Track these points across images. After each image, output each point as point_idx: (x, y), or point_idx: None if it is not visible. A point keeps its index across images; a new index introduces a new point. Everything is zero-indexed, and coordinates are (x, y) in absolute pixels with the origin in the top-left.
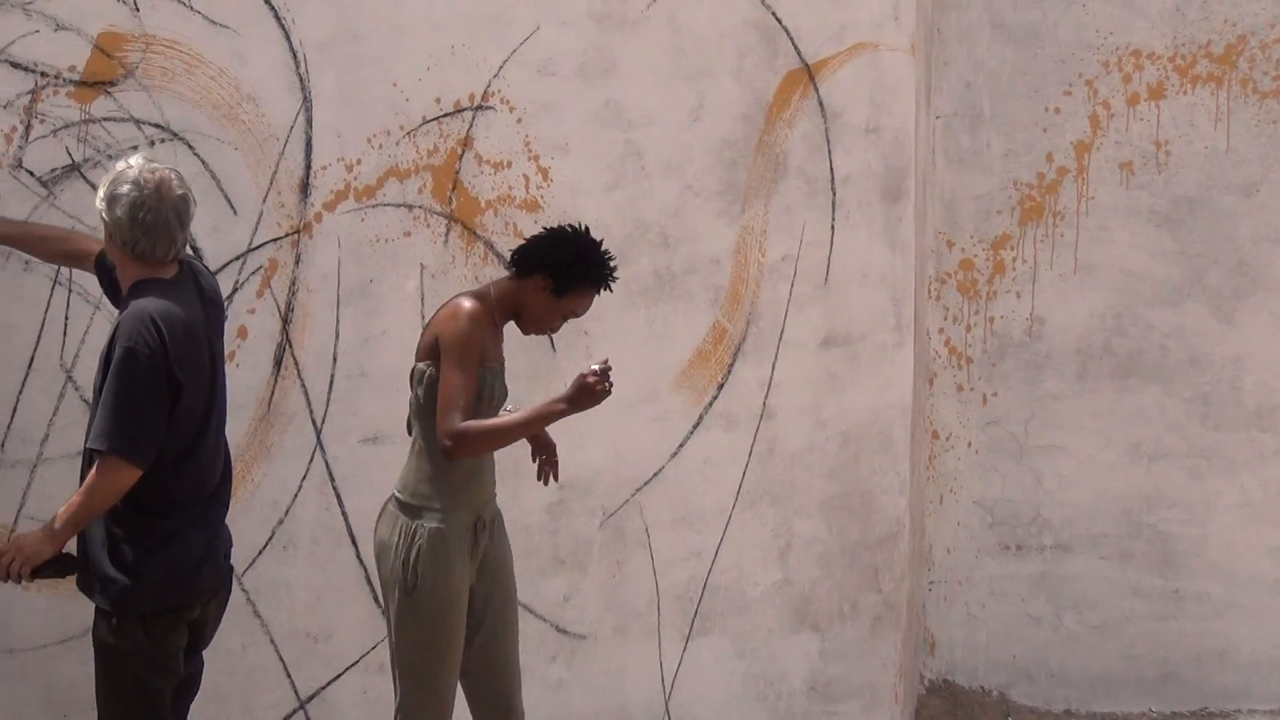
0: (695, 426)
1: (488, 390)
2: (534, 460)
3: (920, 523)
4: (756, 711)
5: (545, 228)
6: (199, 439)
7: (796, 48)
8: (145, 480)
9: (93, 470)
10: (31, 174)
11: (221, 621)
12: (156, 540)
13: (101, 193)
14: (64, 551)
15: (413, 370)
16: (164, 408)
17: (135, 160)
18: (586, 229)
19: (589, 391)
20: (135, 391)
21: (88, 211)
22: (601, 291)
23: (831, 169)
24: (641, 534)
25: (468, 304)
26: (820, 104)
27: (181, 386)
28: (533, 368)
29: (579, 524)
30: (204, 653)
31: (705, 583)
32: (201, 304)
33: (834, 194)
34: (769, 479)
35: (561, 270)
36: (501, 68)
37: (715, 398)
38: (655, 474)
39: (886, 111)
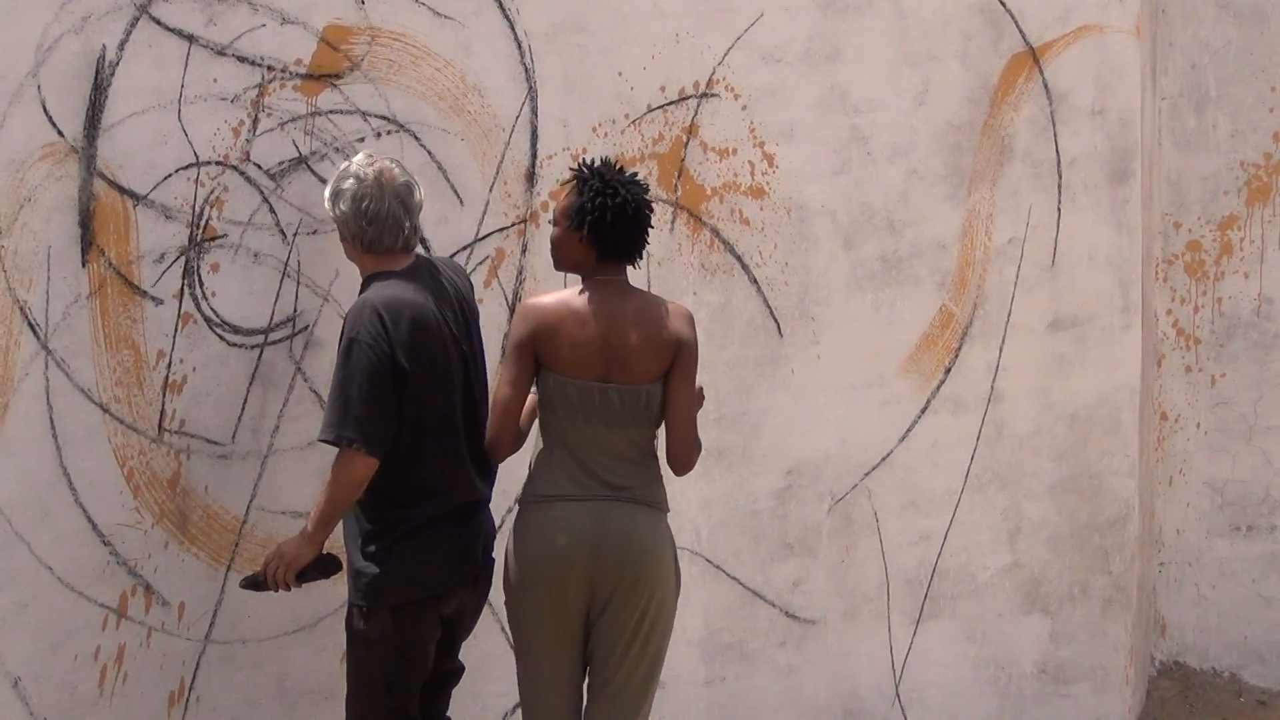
0: (923, 410)
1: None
2: None
3: (1150, 504)
4: (987, 695)
5: None
6: (441, 428)
7: (1021, 31)
8: (387, 471)
9: (332, 468)
10: (259, 167)
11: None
12: (403, 531)
13: (327, 193)
14: (325, 553)
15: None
16: (391, 396)
17: (357, 157)
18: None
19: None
20: (360, 380)
21: (315, 204)
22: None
23: (1057, 151)
24: (870, 518)
25: None
26: (1045, 87)
27: (407, 373)
28: (760, 354)
29: (808, 509)
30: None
31: (934, 567)
32: (441, 297)
33: (1060, 176)
34: (997, 462)
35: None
36: (726, 55)
37: (943, 381)
38: (884, 458)
39: (1112, 93)
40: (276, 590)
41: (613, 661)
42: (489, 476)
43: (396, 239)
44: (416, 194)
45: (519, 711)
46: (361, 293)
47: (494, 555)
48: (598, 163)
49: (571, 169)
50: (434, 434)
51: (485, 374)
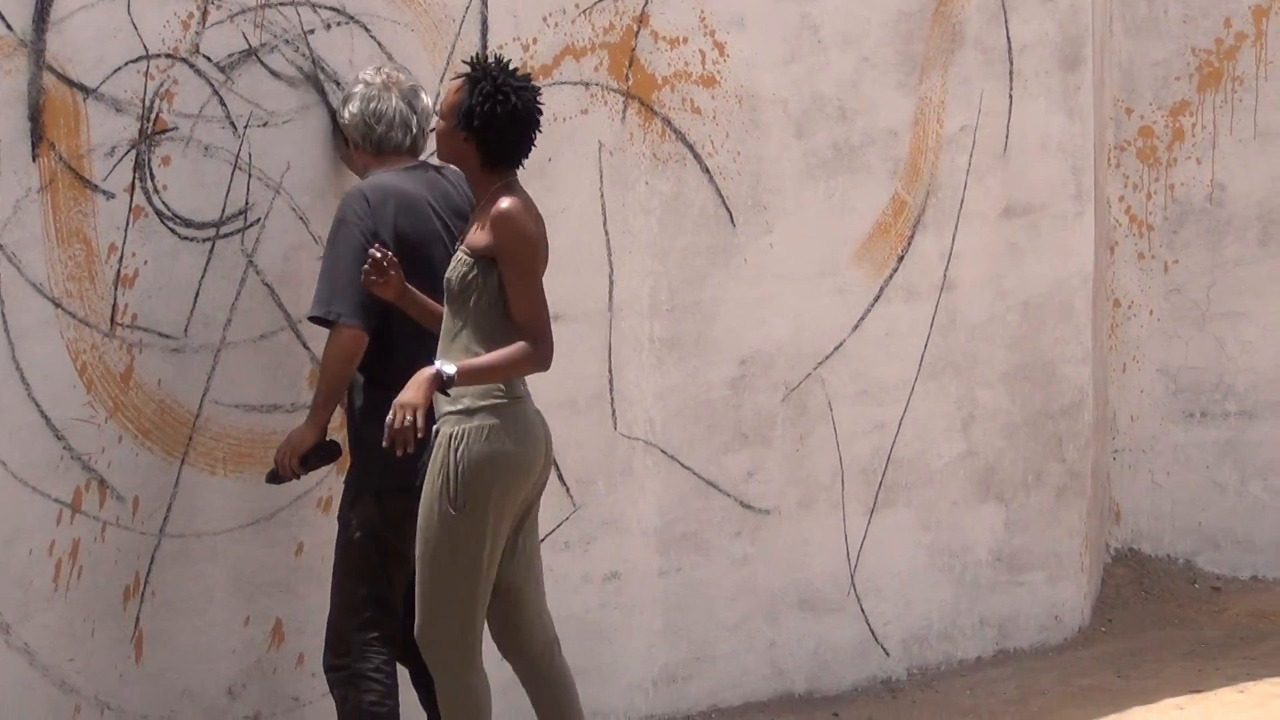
0: (876, 299)
1: None
2: None
3: (1103, 392)
4: (942, 583)
5: None
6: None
7: None
8: (376, 352)
9: (326, 346)
10: (209, 60)
11: None
12: (383, 415)
13: (338, 102)
14: (328, 438)
15: None
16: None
17: (367, 68)
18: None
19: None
20: (345, 257)
21: (265, 96)
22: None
23: (1008, 38)
24: (824, 408)
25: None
26: None
27: (391, 249)
28: (712, 243)
29: (761, 399)
30: None
31: (889, 456)
32: (440, 194)
33: (1011, 63)
34: (951, 350)
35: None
36: None
37: (895, 270)
38: (837, 347)
39: None
40: (284, 480)
41: (533, 543)
42: None
43: (404, 138)
44: (423, 97)
45: None
46: None
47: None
48: (491, 61)
49: (465, 62)
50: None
51: None
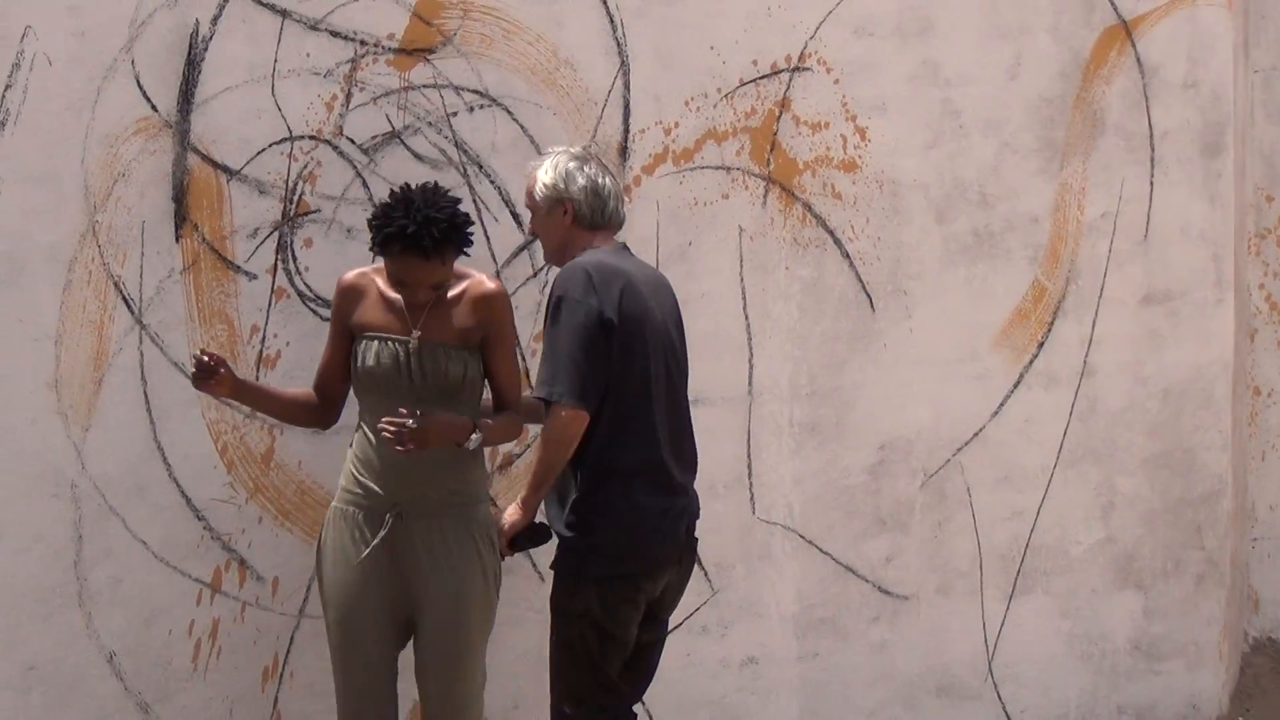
0: (1016, 385)
1: (361, 355)
2: None
3: (1243, 479)
4: (1080, 670)
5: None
6: (647, 399)
7: (1114, 4)
8: (595, 440)
9: (543, 427)
10: (352, 142)
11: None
12: (608, 504)
13: (547, 180)
14: (538, 521)
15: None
16: (601, 353)
17: (555, 149)
18: (412, 186)
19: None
20: (569, 336)
21: (408, 176)
22: (397, 248)
23: (1150, 125)
24: (963, 493)
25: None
26: (1138, 60)
27: (614, 327)
28: (852, 328)
29: (901, 485)
30: None
31: (1027, 542)
32: (655, 285)
33: (1152, 150)
34: (1090, 437)
35: (372, 232)
36: (818, 29)
37: (1035, 356)
38: (976, 433)
39: (1204, 66)
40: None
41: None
42: (691, 471)
43: (620, 209)
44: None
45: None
46: None
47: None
48: (415, 190)
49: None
50: (637, 403)
51: (686, 381)
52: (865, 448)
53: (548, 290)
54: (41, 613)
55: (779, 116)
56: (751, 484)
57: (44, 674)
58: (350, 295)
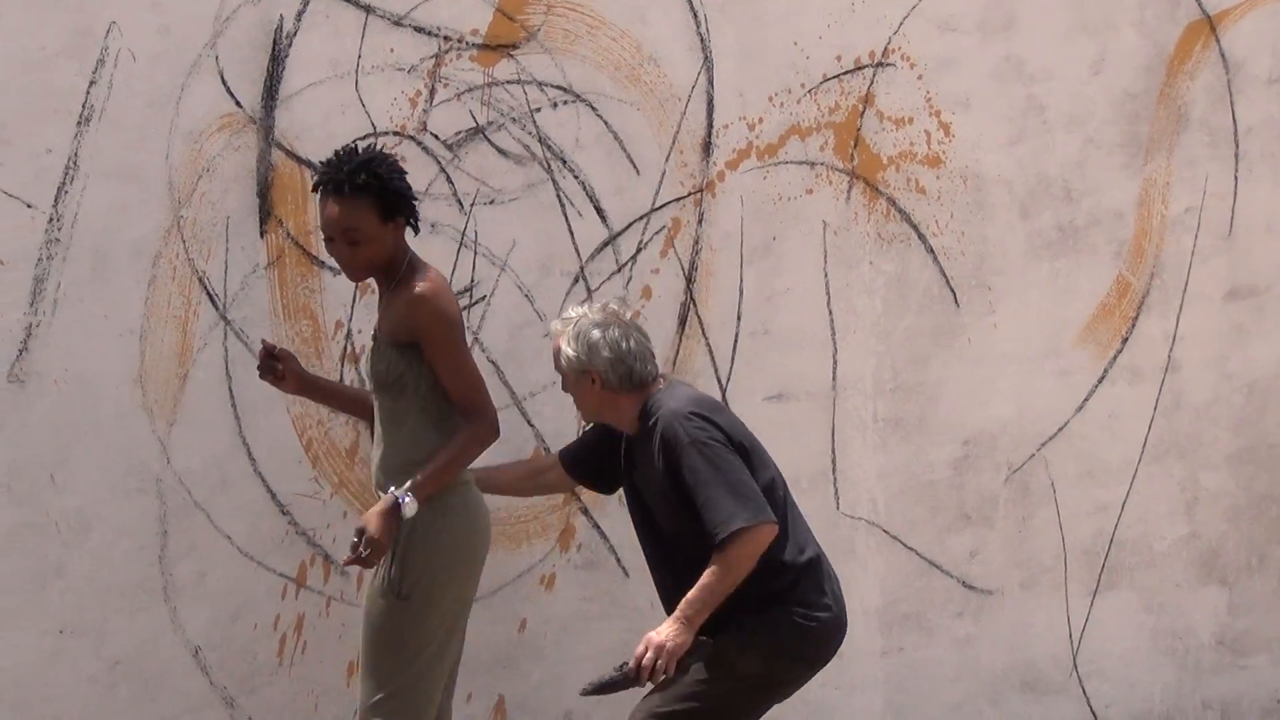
0: (1100, 380)
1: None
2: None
3: None
4: (1164, 665)
5: None
6: (781, 498)
7: None
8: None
9: (729, 546)
10: (436, 137)
11: None
12: (819, 594)
13: (570, 352)
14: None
15: None
16: (749, 474)
17: (574, 311)
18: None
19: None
20: (724, 468)
21: (491, 173)
22: (321, 193)
23: (1234, 120)
24: (1047, 489)
25: None
26: (1222, 55)
27: (747, 449)
28: (936, 323)
29: (984, 479)
30: None
31: (1112, 537)
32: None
33: (1237, 145)
34: (1175, 432)
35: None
36: (901, 24)
37: (1119, 351)
38: (1061, 428)
39: None
40: (644, 684)
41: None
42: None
43: (655, 367)
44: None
45: None
46: (643, 424)
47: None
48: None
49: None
50: (782, 501)
51: None
52: (949, 443)
53: (660, 439)
54: (127, 608)
55: (863, 112)
56: (835, 479)
57: (130, 668)
58: None
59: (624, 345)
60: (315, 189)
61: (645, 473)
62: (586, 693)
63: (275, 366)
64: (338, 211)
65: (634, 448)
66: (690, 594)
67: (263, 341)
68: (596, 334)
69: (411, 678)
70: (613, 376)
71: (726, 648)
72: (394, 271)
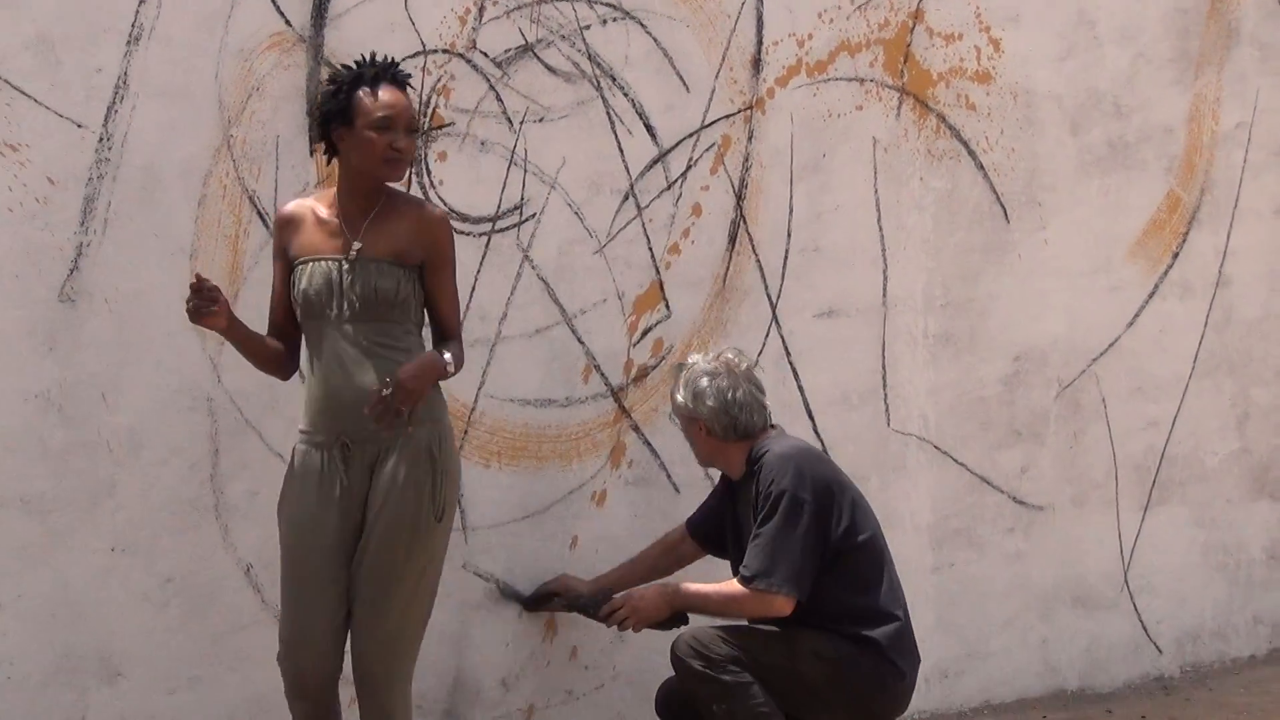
0: (1150, 296)
1: (296, 281)
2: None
3: None
4: (1215, 580)
5: None
6: (880, 551)
7: None
8: (848, 593)
9: (744, 587)
10: (486, 55)
11: None
12: (865, 655)
13: (680, 399)
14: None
15: None
16: (818, 549)
17: (692, 358)
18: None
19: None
20: (792, 529)
21: (540, 92)
22: (370, 85)
23: None
24: (1098, 405)
25: (285, 205)
26: None
27: (848, 528)
28: (987, 240)
29: (1035, 395)
30: None
31: (1163, 453)
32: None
33: None
34: (1225, 347)
35: (333, 105)
36: None
37: (1170, 266)
38: (1111, 344)
39: None
40: (612, 628)
41: None
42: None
43: (765, 416)
44: (755, 374)
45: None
46: (755, 465)
47: None
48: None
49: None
50: (879, 554)
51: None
52: (1000, 359)
53: (760, 478)
54: (179, 526)
55: (912, 28)
56: (886, 395)
57: (181, 585)
58: (288, 226)
59: (730, 395)
60: (360, 83)
61: (744, 512)
62: (555, 608)
63: (209, 307)
64: (404, 99)
65: (737, 490)
66: (694, 585)
67: (196, 275)
68: (705, 382)
69: (422, 612)
70: (717, 426)
71: (810, 640)
72: (379, 189)
